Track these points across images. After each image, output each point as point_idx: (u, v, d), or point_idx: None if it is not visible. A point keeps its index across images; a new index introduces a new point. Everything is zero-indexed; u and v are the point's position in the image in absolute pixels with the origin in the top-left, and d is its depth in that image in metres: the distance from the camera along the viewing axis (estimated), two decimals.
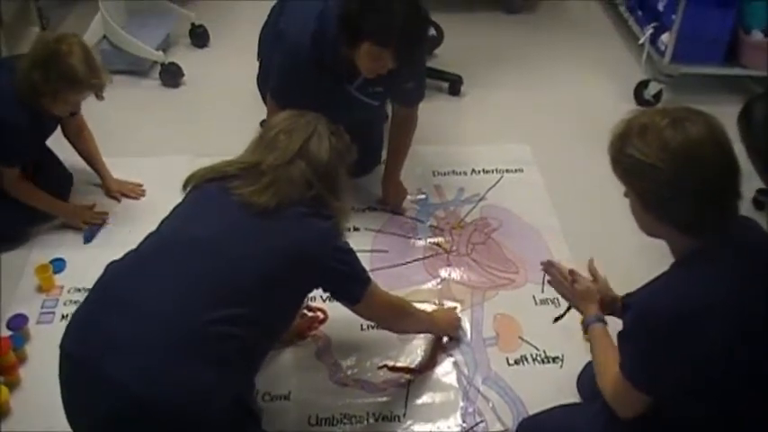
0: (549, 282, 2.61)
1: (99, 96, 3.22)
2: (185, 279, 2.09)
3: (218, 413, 2.05)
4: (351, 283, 2.45)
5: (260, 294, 2.14)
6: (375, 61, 2.98)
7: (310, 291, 2.49)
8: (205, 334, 2.02)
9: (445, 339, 3.02)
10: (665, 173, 1.85)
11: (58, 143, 3.57)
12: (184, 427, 2.01)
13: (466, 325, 3.10)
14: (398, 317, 2.75)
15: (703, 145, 1.84)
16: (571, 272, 2.51)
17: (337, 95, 3.20)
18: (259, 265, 2.15)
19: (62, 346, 2.10)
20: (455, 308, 3.16)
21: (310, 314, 3.07)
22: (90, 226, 3.50)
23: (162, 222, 2.32)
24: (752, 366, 1.91)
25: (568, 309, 2.59)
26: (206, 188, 2.32)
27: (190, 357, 2.00)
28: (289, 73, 3.18)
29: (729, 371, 1.89)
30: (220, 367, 2.04)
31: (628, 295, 2.09)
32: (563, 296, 2.57)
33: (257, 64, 3.64)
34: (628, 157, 1.91)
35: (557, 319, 2.70)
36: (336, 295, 2.51)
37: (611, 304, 2.43)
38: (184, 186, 2.37)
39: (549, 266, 2.60)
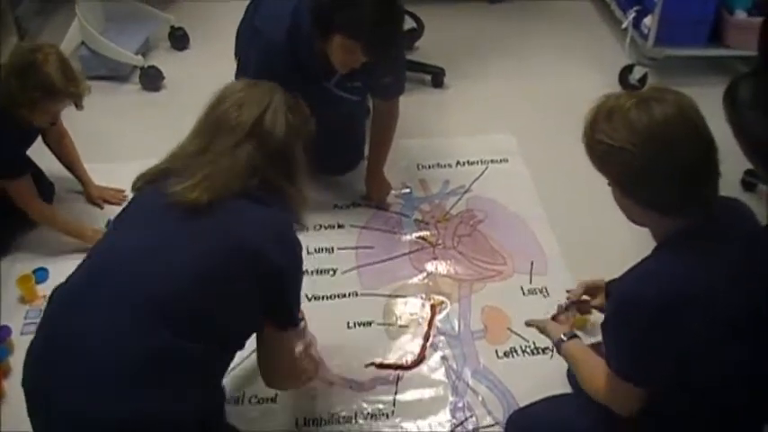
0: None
1: (78, 106, 3.18)
2: (125, 304, 1.91)
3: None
4: (294, 300, 2.23)
5: (205, 305, 1.96)
6: (348, 54, 2.96)
7: (254, 299, 2.13)
8: (154, 358, 1.88)
9: (433, 333, 2.99)
10: (635, 155, 1.83)
11: (37, 152, 3.53)
12: None
13: (454, 319, 3.08)
14: (298, 372, 2.50)
15: (671, 123, 1.81)
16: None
17: (315, 92, 3.16)
18: (198, 272, 1.95)
19: (23, 387, 2.00)
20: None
21: None
22: None
23: (104, 236, 2.21)
24: (740, 357, 1.89)
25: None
26: (144, 193, 2.16)
27: (143, 386, 1.87)
28: (266, 70, 3.08)
29: (716, 360, 1.87)
30: (177, 390, 1.91)
31: (611, 282, 2.06)
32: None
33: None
34: (598, 143, 1.89)
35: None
36: (271, 308, 2.15)
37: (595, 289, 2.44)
38: (132, 189, 2.22)
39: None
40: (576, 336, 2.34)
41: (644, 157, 1.82)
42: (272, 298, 2.11)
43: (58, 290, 2.07)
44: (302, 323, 2.27)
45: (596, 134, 1.89)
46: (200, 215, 1.98)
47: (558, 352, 2.35)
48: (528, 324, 2.58)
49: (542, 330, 2.48)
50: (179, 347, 1.90)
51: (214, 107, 2.16)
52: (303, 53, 3.07)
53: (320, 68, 3.15)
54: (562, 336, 2.33)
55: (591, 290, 2.60)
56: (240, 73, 3.46)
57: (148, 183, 2.16)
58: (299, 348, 2.47)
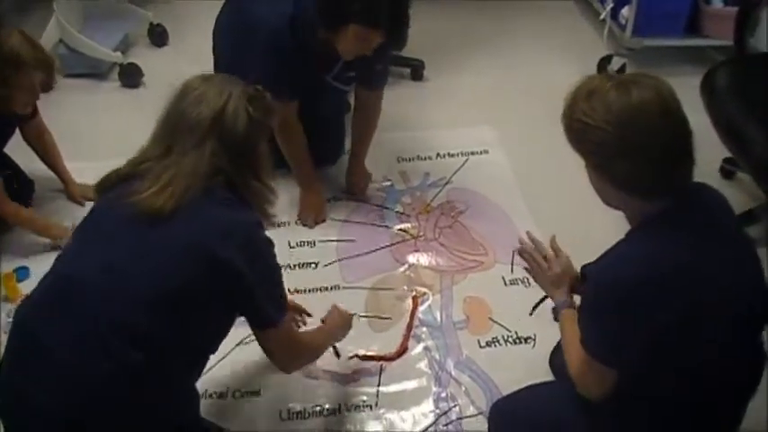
0: (525, 269, 2.56)
1: (52, 78, 3.15)
2: (91, 321, 1.86)
3: None
4: (266, 300, 2.11)
5: (173, 318, 1.90)
6: (362, 43, 2.98)
7: (232, 307, 2.12)
8: (125, 375, 1.85)
9: (415, 325, 3.01)
10: (610, 134, 1.84)
11: (17, 150, 3.52)
12: None
13: (436, 310, 3.08)
14: (303, 356, 2.48)
15: (647, 107, 1.83)
16: (547, 258, 2.47)
17: (314, 84, 3.19)
18: (163, 285, 1.89)
19: None
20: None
21: None
22: None
23: (64, 249, 2.16)
24: (716, 338, 1.90)
25: (544, 297, 2.57)
26: (104, 200, 2.08)
27: (112, 404, 1.86)
28: (273, 63, 3.08)
29: (692, 341, 1.88)
30: (150, 404, 1.91)
31: (585, 266, 2.07)
32: (537, 282, 2.52)
33: None
34: (576, 121, 1.91)
35: (533, 309, 2.69)
36: (245, 311, 2.13)
37: (575, 283, 2.42)
38: (95, 193, 2.15)
39: (521, 252, 2.55)
40: (573, 305, 2.30)
41: (618, 136, 1.84)
42: (242, 302, 2.07)
43: (22, 308, 2.06)
44: (284, 319, 2.17)
45: (574, 113, 1.91)
46: (163, 223, 1.91)
47: (555, 318, 2.37)
48: (526, 270, 2.52)
49: (543, 285, 2.44)
50: (151, 363, 1.87)
51: (173, 106, 2.08)
52: (306, 44, 3.07)
53: (321, 60, 3.16)
54: (564, 300, 2.32)
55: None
56: (219, 68, 3.45)
57: (110, 188, 2.08)
58: (295, 336, 2.40)
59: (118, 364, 1.85)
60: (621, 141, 1.84)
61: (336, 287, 3.17)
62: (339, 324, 2.69)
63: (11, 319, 3.01)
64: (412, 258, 3.34)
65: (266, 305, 2.10)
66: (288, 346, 2.27)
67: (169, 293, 1.89)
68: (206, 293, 1.96)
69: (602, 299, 1.93)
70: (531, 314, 2.72)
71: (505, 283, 3.20)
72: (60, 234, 3.35)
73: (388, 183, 3.77)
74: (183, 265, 1.91)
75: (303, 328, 2.77)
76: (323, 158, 3.70)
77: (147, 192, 1.92)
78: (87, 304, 1.89)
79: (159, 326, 1.89)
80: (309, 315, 2.86)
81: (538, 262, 2.47)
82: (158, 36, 4.89)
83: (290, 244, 3.27)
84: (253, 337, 2.86)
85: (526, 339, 2.96)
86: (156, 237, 1.92)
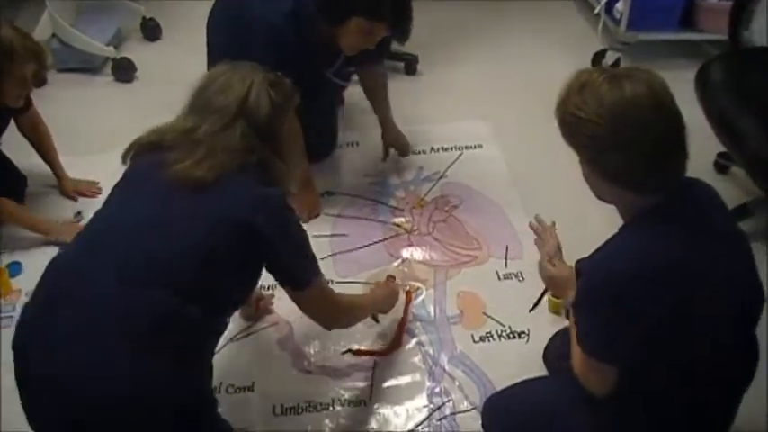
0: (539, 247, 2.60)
1: (43, 73, 3.15)
2: (126, 269, 1.95)
3: (170, 403, 1.96)
4: (298, 261, 2.26)
5: (205, 276, 2.02)
6: (366, 37, 3.00)
7: (259, 269, 2.25)
8: (153, 322, 1.92)
9: (408, 319, 3.00)
10: (602, 128, 1.84)
11: (9, 146, 3.51)
12: (142, 424, 1.92)
13: (429, 305, 3.08)
14: (341, 314, 2.58)
15: (639, 101, 1.83)
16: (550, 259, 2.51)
17: (314, 80, 3.17)
18: (201, 245, 2.01)
19: (13, 347, 2.02)
20: (393, 278, 3.11)
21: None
22: None
23: (104, 205, 2.20)
24: (709, 332, 1.90)
25: (543, 293, 2.57)
26: (141, 164, 2.18)
27: (140, 349, 1.91)
28: (273, 60, 3.02)
29: (685, 335, 1.87)
30: (173, 356, 1.95)
31: (579, 261, 2.07)
32: (543, 277, 2.53)
33: None
34: (569, 114, 1.91)
35: (534, 306, 2.69)
36: (280, 275, 2.29)
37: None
38: (123, 159, 2.22)
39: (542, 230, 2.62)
40: None
41: (610, 130, 1.84)
42: (277, 266, 2.24)
43: (56, 259, 2.11)
44: (316, 279, 2.32)
45: (567, 106, 1.91)
46: (202, 192, 2.03)
47: (567, 316, 2.39)
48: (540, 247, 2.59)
49: (566, 282, 2.41)
50: (175, 314, 1.95)
51: (199, 94, 2.21)
52: (306, 39, 3.06)
53: (322, 55, 3.16)
54: None
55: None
56: (212, 60, 3.43)
57: (139, 154, 2.19)
58: (330, 294, 2.49)
59: (153, 307, 1.93)
60: (613, 135, 1.84)
61: (330, 282, 3.14)
62: (385, 293, 2.89)
63: (2, 315, 3.04)
64: (406, 253, 3.33)
65: (298, 267, 2.26)
66: (324, 304, 2.42)
67: (207, 253, 2.01)
68: (240, 257, 2.10)
69: (595, 294, 1.92)
70: (531, 311, 2.72)
71: (499, 278, 3.19)
72: (51, 230, 3.35)
73: (382, 177, 3.77)
74: (221, 232, 2.03)
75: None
76: (318, 153, 3.69)
77: (187, 162, 2.04)
78: (129, 253, 1.98)
79: (196, 280, 2.00)
80: (270, 312, 3.02)
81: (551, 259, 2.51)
82: (151, 30, 4.89)
83: None
84: (245, 333, 2.91)
85: (520, 334, 2.95)
86: (196, 204, 2.03)
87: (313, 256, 2.32)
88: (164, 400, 1.94)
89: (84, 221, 3.36)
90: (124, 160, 2.23)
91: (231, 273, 2.11)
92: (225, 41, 3.32)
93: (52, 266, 2.09)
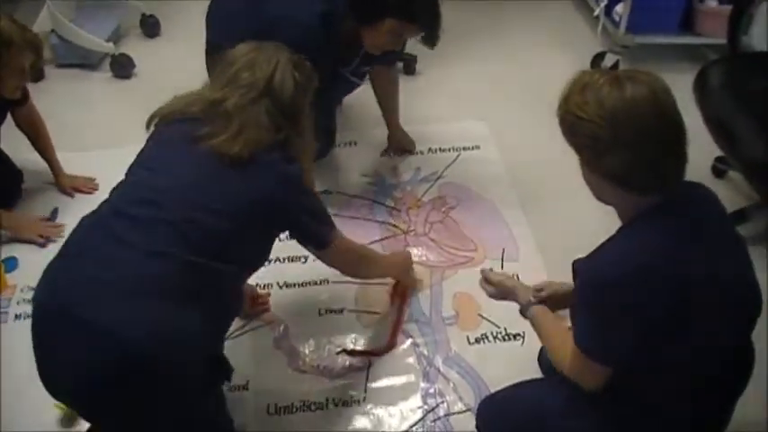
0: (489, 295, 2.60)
1: (40, 63, 3.14)
2: (157, 226, 2.02)
3: (195, 353, 2.03)
4: (318, 227, 2.43)
5: (232, 239, 2.12)
6: (395, 38, 3.04)
7: (279, 234, 2.44)
8: (182, 276, 1.99)
9: (404, 320, 3.00)
10: (602, 129, 1.84)
11: (5, 140, 3.50)
12: (167, 373, 1.94)
13: (425, 305, 3.07)
14: (362, 262, 2.77)
15: (640, 103, 1.83)
16: (482, 272, 2.61)
17: (331, 78, 3.19)
18: (231, 213, 2.10)
19: (35, 299, 2.03)
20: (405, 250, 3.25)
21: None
22: (46, 238, 3.37)
23: (130, 170, 2.24)
24: (705, 332, 1.90)
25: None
26: (170, 133, 2.25)
27: (169, 301, 1.96)
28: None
29: (681, 336, 1.87)
30: (195, 306, 2.01)
31: (576, 261, 2.07)
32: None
33: None
34: (569, 114, 1.91)
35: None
36: (305, 240, 2.47)
37: (563, 299, 2.44)
38: (147, 125, 2.29)
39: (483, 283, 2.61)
40: (539, 302, 2.37)
41: (610, 131, 1.84)
42: (300, 231, 2.42)
43: (86, 218, 2.16)
44: (335, 234, 2.50)
45: (569, 106, 1.91)
46: (237, 167, 2.13)
47: (524, 315, 2.37)
48: (488, 281, 2.59)
49: (508, 291, 2.50)
50: (203, 270, 2.03)
51: (225, 69, 2.29)
52: (334, 39, 3.08)
53: (342, 55, 3.19)
54: (531, 298, 2.37)
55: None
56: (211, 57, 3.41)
57: (167, 122, 2.27)
58: (348, 242, 2.68)
59: (186, 262, 2.00)
60: (613, 136, 1.84)
61: (326, 281, 3.16)
62: (400, 260, 3.10)
63: (1, 310, 3.03)
64: None
65: (319, 229, 2.43)
66: (345, 256, 2.64)
67: (238, 223, 2.12)
68: (265, 226, 2.27)
69: (591, 295, 1.93)
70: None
71: None
72: (15, 227, 3.37)
73: (379, 177, 3.77)
74: (252, 206, 2.16)
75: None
76: (316, 153, 3.69)
77: (222, 137, 2.14)
78: (165, 212, 2.05)
79: (227, 243, 2.10)
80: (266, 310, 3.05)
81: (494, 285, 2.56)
82: (150, 27, 4.89)
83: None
84: (241, 331, 2.90)
85: (515, 336, 2.94)
86: (234, 175, 2.13)
87: (328, 217, 2.50)
88: (195, 350, 2.02)
89: (59, 220, 3.43)
90: (148, 126, 2.30)
91: (256, 240, 2.27)
92: (238, 37, 3.30)
93: (86, 223, 2.14)
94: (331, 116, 3.79)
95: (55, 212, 3.52)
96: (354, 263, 2.73)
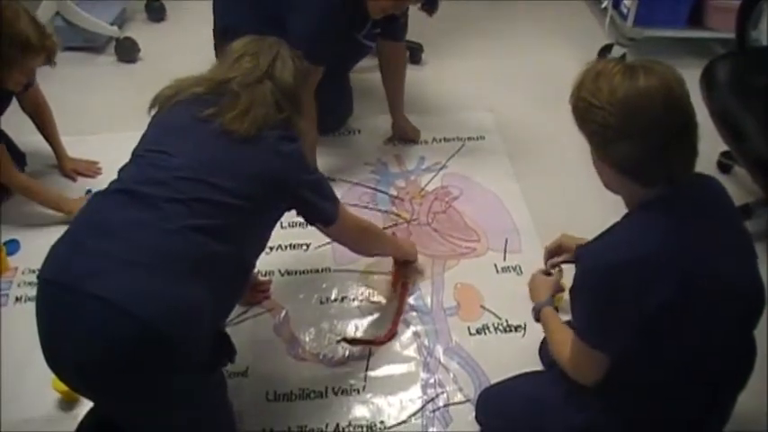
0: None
1: (52, 62, 3.13)
2: (169, 204, 2.05)
3: (204, 331, 2.06)
4: (324, 204, 2.47)
5: (240, 216, 2.16)
6: (397, 1, 3.13)
7: (282, 213, 2.46)
8: (193, 252, 2.03)
9: (405, 310, 3.00)
10: (613, 117, 1.85)
11: (9, 122, 3.47)
12: (171, 347, 1.93)
13: (426, 295, 3.07)
14: (369, 238, 2.85)
15: (652, 94, 1.82)
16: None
17: (346, 43, 3.31)
18: (240, 190, 2.15)
19: (41, 275, 2.02)
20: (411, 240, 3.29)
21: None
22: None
23: (138, 150, 2.25)
24: (706, 326, 1.90)
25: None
26: (178, 112, 2.28)
27: (181, 276, 1.99)
28: (327, 24, 3.18)
29: (682, 328, 1.87)
30: (206, 284, 2.03)
31: (578, 248, 2.07)
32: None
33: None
34: (581, 100, 1.92)
35: None
36: (311, 217, 2.51)
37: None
38: (151, 107, 2.33)
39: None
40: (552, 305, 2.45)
41: (620, 120, 1.84)
42: (304, 212, 2.49)
43: (96, 195, 2.18)
44: (340, 209, 2.55)
45: (581, 92, 1.92)
46: (244, 144, 2.20)
47: (537, 316, 2.45)
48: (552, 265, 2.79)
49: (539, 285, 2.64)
50: (211, 245, 2.07)
51: (227, 56, 2.38)
52: (351, 6, 3.16)
53: (358, 19, 3.27)
54: (543, 301, 2.48)
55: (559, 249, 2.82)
56: (222, 40, 3.38)
57: (170, 102, 2.31)
58: (354, 218, 2.77)
59: (195, 240, 2.04)
60: (624, 125, 1.84)
61: (327, 269, 3.15)
62: (408, 244, 3.18)
63: (2, 292, 3.03)
64: None
65: (325, 206, 2.48)
66: (351, 232, 2.71)
67: (249, 198, 2.17)
68: (273, 203, 2.33)
69: (591, 282, 1.93)
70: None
71: (497, 271, 3.18)
72: (62, 205, 3.34)
73: (383, 165, 3.75)
74: (258, 183, 2.21)
75: None
76: (333, 120, 3.84)
77: (228, 115, 2.21)
78: (176, 189, 2.08)
79: (236, 214, 2.14)
80: (267, 297, 3.05)
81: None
82: (156, 11, 4.88)
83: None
84: (241, 318, 2.90)
85: (516, 328, 2.94)
86: (242, 152, 2.20)
87: (332, 193, 2.54)
88: (206, 325, 2.06)
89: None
90: (151, 108, 2.33)
91: (262, 217, 2.33)
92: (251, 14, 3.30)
93: (96, 200, 2.15)
94: (348, 84, 3.87)
95: (89, 193, 3.50)
96: (361, 238, 2.79)
